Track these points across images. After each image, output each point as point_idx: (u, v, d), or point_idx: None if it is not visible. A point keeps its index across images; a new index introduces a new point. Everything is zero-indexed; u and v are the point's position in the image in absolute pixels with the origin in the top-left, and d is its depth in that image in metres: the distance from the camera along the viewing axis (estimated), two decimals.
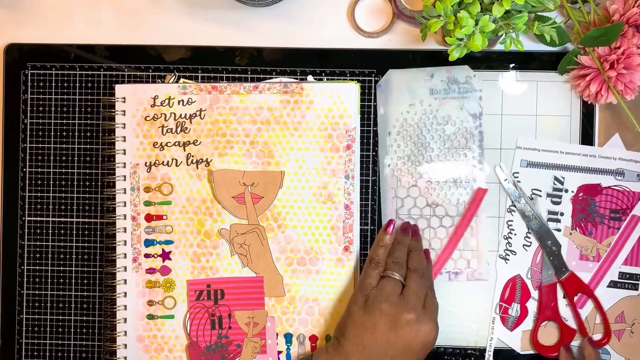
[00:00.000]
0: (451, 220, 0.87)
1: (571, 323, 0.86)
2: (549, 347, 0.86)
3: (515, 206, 0.86)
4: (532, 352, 0.86)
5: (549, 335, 0.87)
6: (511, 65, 0.87)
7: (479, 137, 0.86)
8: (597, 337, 0.86)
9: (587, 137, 0.87)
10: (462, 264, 0.87)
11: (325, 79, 0.88)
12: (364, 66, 0.87)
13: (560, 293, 0.86)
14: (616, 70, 0.81)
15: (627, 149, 0.86)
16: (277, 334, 0.87)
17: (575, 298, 0.86)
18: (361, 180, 0.87)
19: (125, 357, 0.87)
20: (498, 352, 0.87)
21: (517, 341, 0.87)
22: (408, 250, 0.84)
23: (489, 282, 0.87)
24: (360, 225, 0.87)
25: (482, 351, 0.87)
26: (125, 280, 0.87)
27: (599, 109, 0.87)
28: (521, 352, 0.86)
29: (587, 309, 0.86)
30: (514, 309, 0.86)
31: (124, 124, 0.87)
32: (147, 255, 0.87)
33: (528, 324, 0.87)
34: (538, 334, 0.86)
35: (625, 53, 0.81)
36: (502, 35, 0.80)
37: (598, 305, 0.86)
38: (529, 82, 0.87)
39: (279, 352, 0.87)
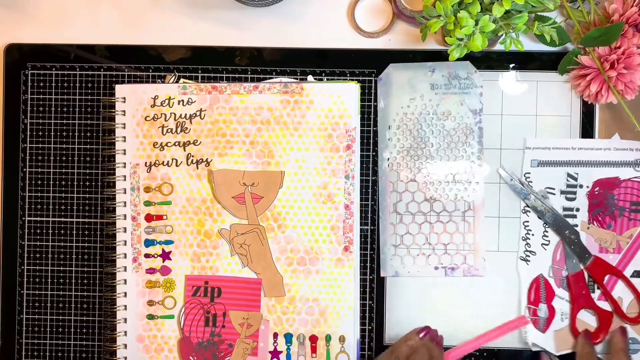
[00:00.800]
0: (448, 216, 0.87)
1: (606, 306, 0.86)
2: (591, 335, 0.86)
3: (527, 204, 0.86)
4: (567, 351, 0.86)
5: (586, 324, 0.87)
6: (511, 65, 0.87)
7: (478, 133, 0.87)
8: (632, 315, 0.86)
9: (587, 137, 0.87)
10: (459, 259, 0.87)
11: (325, 79, 0.88)
12: (364, 66, 0.87)
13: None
14: (616, 70, 0.81)
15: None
16: (276, 334, 0.87)
17: (605, 280, 0.86)
18: (361, 180, 0.87)
19: (125, 357, 0.87)
20: (497, 353, 0.87)
21: (551, 342, 0.86)
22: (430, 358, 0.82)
23: (485, 280, 0.87)
24: (360, 225, 0.87)
25: (482, 352, 0.87)
26: (125, 280, 0.87)
27: (599, 108, 0.87)
28: (556, 353, 0.86)
29: (617, 290, 0.86)
30: (543, 310, 0.86)
31: (124, 124, 0.87)
32: (147, 255, 0.87)
33: (557, 323, 0.87)
34: (576, 324, 0.86)
35: (626, 53, 0.81)
36: (502, 35, 0.80)
37: (628, 283, 0.86)
38: (529, 82, 0.87)
39: (279, 352, 0.87)
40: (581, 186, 0.87)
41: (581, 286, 0.86)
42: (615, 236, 0.86)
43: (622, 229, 0.86)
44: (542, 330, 0.86)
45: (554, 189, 0.87)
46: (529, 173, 0.87)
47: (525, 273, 0.87)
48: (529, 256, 0.87)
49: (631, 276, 0.86)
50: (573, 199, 0.87)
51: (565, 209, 0.87)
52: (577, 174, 0.86)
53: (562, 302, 0.87)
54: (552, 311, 0.87)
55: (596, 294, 0.86)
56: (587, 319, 0.87)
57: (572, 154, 0.86)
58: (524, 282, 0.87)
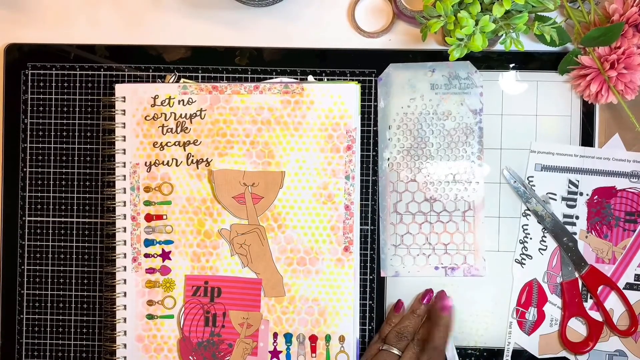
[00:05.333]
0: (448, 216, 0.87)
1: (597, 316, 0.87)
2: (579, 344, 0.86)
3: (527, 208, 0.86)
4: (551, 355, 0.86)
5: (576, 332, 0.87)
6: (511, 65, 0.87)
7: (478, 133, 0.87)
8: (622, 327, 0.86)
9: (587, 137, 0.87)
10: (459, 259, 0.87)
11: (325, 79, 0.88)
12: (364, 66, 0.87)
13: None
14: (616, 70, 0.81)
15: (627, 149, 0.86)
16: (276, 334, 0.87)
17: (598, 291, 0.86)
18: (361, 181, 0.87)
19: (125, 357, 0.87)
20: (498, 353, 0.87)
21: (534, 345, 0.86)
22: (429, 321, 0.84)
23: (488, 281, 0.87)
24: (361, 225, 0.87)
25: (482, 351, 0.87)
26: (125, 280, 0.87)
27: (599, 109, 0.87)
28: (539, 356, 0.86)
29: (610, 301, 0.86)
30: (531, 313, 0.86)
31: (124, 124, 0.87)
32: (146, 255, 0.87)
33: (545, 328, 0.87)
34: (566, 331, 0.86)
35: (626, 53, 0.81)
36: (502, 35, 0.80)
37: (621, 295, 0.86)
38: (529, 82, 0.87)
39: (279, 352, 0.87)
40: (581, 194, 0.87)
41: (575, 294, 0.86)
42: (611, 247, 0.86)
43: (617, 240, 0.86)
44: (527, 332, 0.86)
45: (555, 194, 0.87)
46: (532, 177, 0.87)
47: (518, 276, 0.87)
48: (524, 259, 0.87)
49: (624, 288, 0.86)
50: (573, 207, 0.86)
51: (565, 216, 0.87)
52: (578, 181, 0.86)
53: (553, 308, 0.87)
54: (541, 316, 0.87)
55: (589, 303, 0.87)
56: (578, 327, 0.87)
57: (574, 160, 0.86)
58: (517, 285, 0.87)
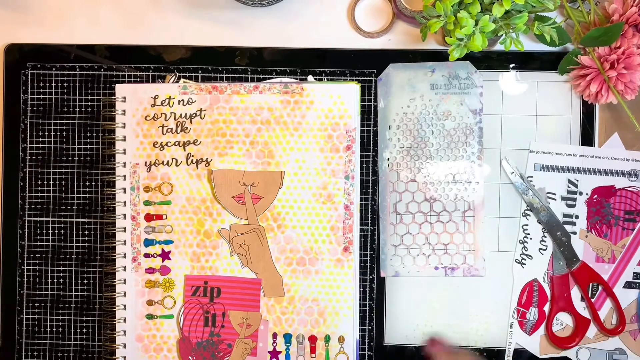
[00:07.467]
0: (448, 216, 0.87)
1: (585, 313, 0.86)
2: (565, 339, 0.86)
3: (524, 200, 0.86)
4: (552, 355, 0.86)
5: (563, 327, 0.87)
6: (511, 65, 0.87)
7: (478, 133, 0.86)
8: (610, 326, 0.86)
9: (587, 137, 0.87)
10: (459, 259, 0.87)
11: (325, 79, 0.88)
12: (364, 66, 0.87)
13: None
14: (616, 70, 0.81)
15: (627, 149, 0.86)
16: (275, 334, 0.87)
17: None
18: (361, 181, 0.87)
19: (125, 357, 0.87)
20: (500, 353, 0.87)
21: (535, 345, 0.86)
22: None
23: (489, 281, 0.87)
24: (360, 225, 0.87)
25: (482, 351, 0.87)
26: (124, 280, 0.87)
27: (599, 109, 0.87)
28: (540, 356, 0.86)
29: (599, 299, 0.86)
30: (532, 314, 0.86)
31: (124, 124, 0.87)
32: (146, 255, 0.87)
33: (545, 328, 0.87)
34: (552, 326, 0.86)
35: (626, 53, 0.81)
36: (502, 35, 0.80)
37: (610, 293, 0.86)
38: (529, 82, 0.87)
39: (278, 353, 0.87)
40: (581, 193, 0.87)
41: (564, 289, 0.86)
42: (610, 245, 0.86)
43: (616, 239, 0.87)
44: (528, 333, 0.86)
45: (555, 194, 0.87)
46: (532, 176, 0.87)
47: (519, 276, 0.87)
48: (524, 260, 0.87)
49: (623, 287, 0.86)
50: (573, 206, 0.87)
51: (565, 216, 0.87)
52: (577, 180, 0.86)
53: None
54: (542, 316, 0.86)
55: (578, 300, 0.87)
56: (567, 322, 0.87)
57: (573, 160, 0.86)
58: (517, 285, 0.87)
